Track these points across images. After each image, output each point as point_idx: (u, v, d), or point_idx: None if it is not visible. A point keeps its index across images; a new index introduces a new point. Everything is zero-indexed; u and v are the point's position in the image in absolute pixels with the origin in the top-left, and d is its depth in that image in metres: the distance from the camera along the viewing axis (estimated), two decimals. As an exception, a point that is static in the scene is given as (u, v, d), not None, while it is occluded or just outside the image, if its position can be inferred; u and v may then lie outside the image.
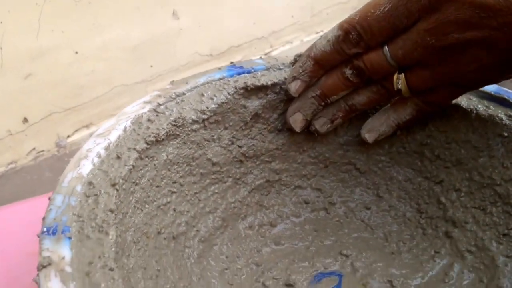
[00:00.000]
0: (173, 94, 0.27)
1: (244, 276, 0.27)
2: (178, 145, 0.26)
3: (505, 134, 0.26)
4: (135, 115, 0.25)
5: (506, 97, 0.27)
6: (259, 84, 0.28)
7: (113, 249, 0.19)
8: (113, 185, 0.22)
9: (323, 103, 0.28)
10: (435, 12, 0.23)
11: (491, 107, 0.27)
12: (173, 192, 0.26)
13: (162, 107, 0.26)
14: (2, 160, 0.68)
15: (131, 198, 0.23)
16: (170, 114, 0.26)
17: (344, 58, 0.26)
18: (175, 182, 0.26)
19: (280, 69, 0.29)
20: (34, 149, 0.70)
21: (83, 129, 0.74)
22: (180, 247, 0.26)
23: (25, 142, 0.69)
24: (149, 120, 0.25)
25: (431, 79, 0.25)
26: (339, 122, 0.29)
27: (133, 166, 0.23)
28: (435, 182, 0.29)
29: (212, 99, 0.27)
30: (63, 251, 0.19)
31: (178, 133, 0.26)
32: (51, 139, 0.71)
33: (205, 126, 0.27)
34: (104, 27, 0.69)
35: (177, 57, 0.79)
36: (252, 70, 0.29)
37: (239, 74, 0.28)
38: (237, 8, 0.83)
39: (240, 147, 0.29)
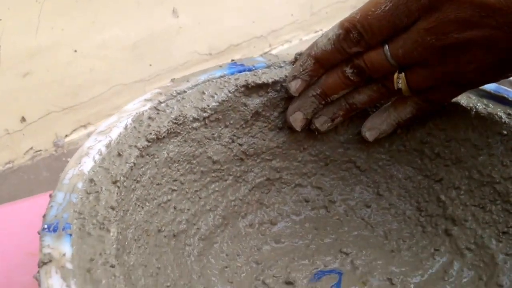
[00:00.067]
0: (174, 92, 0.27)
1: (244, 274, 0.27)
2: (178, 143, 0.26)
3: (505, 132, 0.26)
4: (136, 113, 0.25)
5: (506, 96, 0.27)
6: (260, 82, 0.28)
7: (114, 246, 0.19)
8: (114, 182, 0.22)
9: (323, 102, 0.28)
10: (435, 11, 0.23)
11: (491, 105, 0.27)
12: (173, 190, 0.26)
13: (163, 105, 0.26)
14: (-1, 159, 0.67)
15: (132, 195, 0.23)
16: (171, 112, 0.26)
17: (345, 57, 0.26)
18: (175, 180, 0.26)
19: (281, 67, 0.29)
20: (31, 148, 0.70)
21: (81, 128, 0.74)
22: (181, 245, 0.26)
23: (23, 141, 0.68)
24: (150, 118, 0.25)
25: (431, 78, 0.25)
26: (339, 120, 0.29)
27: (134, 164, 0.23)
28: (435, 180, 0.29)
29: (212, 97, 0.27)
30: (64, 248, 0.19)
31: (178, 131, 0.26)
32: (48, 138, 0.71)
33: (205, 124, 0.27)
34: (104, 25, 0.69)
35: (176, 56, 0.79)
36: (253, 68, 0.29)
37: (240, 72, 0.28)
38: (236, 7, 0.83)
39: (240, 145, 0.29)
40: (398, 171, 0.30)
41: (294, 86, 0.27)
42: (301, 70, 0.27)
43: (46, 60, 0.65)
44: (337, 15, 0.96)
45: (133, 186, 0.23)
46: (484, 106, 0.27)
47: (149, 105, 0.26)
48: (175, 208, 0.26)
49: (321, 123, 0.29)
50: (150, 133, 0.25)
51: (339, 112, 0.28)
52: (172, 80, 0.28)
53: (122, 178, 0.22)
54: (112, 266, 0.18)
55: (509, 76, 0.25)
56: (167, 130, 0.25)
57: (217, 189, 0.29)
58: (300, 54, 0.28)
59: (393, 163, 0.30)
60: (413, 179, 0.30)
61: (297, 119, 0.28)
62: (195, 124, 0.27)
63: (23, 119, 0.67)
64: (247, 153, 0.29)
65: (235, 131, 0.29)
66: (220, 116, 0.28)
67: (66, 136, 0.73)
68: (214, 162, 0.28)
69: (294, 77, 0.27)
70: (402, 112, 0.28)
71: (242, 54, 0.87)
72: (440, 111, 0.28)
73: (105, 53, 0.70)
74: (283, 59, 0.29)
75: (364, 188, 0.31)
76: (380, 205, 0.30)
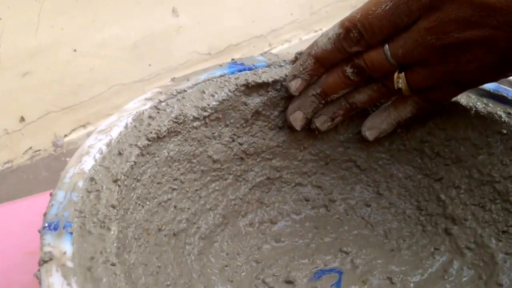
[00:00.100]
0: (174, 91, 0.27)
1: (244, 273, 0.27)
2: (179, 142, 0.26)
3: (504, 131, 0.26)
4: (136, 112, 0.25)
5: (505, 95, 0.27)
6: (260, 81, 0.28)
7: (114, 244, 0.19)
8: (115, 181, 0.22)
9: (323, 101, 0.28)
10: (435, 10, 0.23)
11: (490, 104, 0.27)
12: (174, 189, 0.26)
13: (163, 104, 0.26)
14: (-2, 159, 0.67)
15: (132, 194, 0.23)
16: (171, 111, 0.26)
17: (345, 56, 0.26)
18: (176, 179, 0.26)
19: (281, 66, 0.29)
20: (30, 148, 0.70)
21: (80, 128, 0.74)
22: (181, 244, 0.26)
23: (22, 141, 0.68)
24: (150, 117, 0.25)
25: (431, 78, 0.25)
26: (339, 120, 0.29)
27: (135, 163, 0.23)
28: (434, 180, 0.29)
29: (213, 96, 0.27)
30: (65, 246, 0.19)
31: (179, 130, 0.26)
32: (48, 138, 0.71)
33: (206, 123, 0.27)
34: (104, 24, 0.69)
35: (176, 55, 0.79)
36: (253, 67, 0.29)
37: (240, 71, 0.28)
38: (236, 7, 0.83)
39: (240, 144, 0.29)
40: (398, 170, 0.30)
41: (294, 85, 0.27)
42: (301, 69, 0.27)
43: (45, 60, 0.65)
44: (337, 14, 0.96)
45: (133, 185, 0.23)
46: (483, 105, 0.27)
47: (149, 104, 0.26)
48: (175, 207, 0.26)
49: (321, 122, 0.29)
50: (151, 132, 0.25)
51: (339, 111, 0.28)
52: (172, 79, 0.28)
53: (122, 177, 0.22)
54: (113, 265, 0.19)
55: (510, 76, 0.25)
56: (168, 129, 0.25)
57: (217, 188, 0.29)
58: (300, 53, 0.28)
59: (393, 162, 0.30)
60: (413, 178, 0.30)
61: (297, 118, 0.29)
62: (195, 123, 0.27)
63: (22, 119, 0.67)
64: (247, 152, 0.29)
65: (235, 130, 0.29)
66: (220, 115, 0.28)
67: (65, 136, 0.73)
68: (215, 161, 0.28)
69: (294, 77, 0.27)
70: (402, 112, 0.28)
71: (242, 53, 0.87)
72: (440, 110, 0.28)
73: (105, 53, 0.70)
74: (283, 58, 0.29)
75: (364, 187, 0.31)
76: (380, 204, 0.30)
